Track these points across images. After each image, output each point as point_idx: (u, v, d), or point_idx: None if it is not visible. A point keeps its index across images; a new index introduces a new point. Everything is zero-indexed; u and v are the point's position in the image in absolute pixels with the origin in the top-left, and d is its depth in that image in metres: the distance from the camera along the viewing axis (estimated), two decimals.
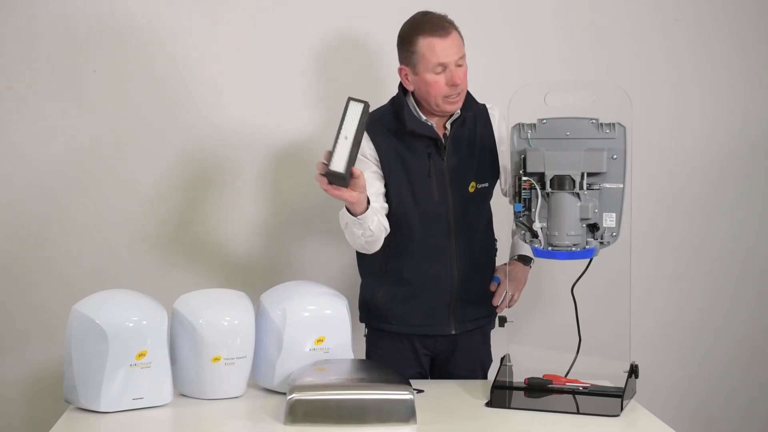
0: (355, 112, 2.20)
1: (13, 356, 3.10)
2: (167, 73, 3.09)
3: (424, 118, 2.57)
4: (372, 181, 2.53)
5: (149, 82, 3.09)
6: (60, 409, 2.27)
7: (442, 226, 2.58)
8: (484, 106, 2.64)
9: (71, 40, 3.04)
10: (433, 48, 2.47)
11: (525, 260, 2.71)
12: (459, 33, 2.51)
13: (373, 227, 2.42)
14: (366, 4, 3.13)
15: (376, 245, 2.51)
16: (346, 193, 2.26)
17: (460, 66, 2.49)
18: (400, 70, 2.57)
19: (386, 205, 2.57)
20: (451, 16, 2.53)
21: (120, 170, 3.09)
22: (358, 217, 2.37)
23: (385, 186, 2.58)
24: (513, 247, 2.71)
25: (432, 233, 2.58)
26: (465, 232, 2.60)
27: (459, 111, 2.57)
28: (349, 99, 2.21)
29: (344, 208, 2.40)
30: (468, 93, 2.59)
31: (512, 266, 2.67)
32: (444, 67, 2.48)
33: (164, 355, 2.25)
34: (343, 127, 2.20)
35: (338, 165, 2.20)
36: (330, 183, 2.24)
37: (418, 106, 2.57)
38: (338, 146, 2.20)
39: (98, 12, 3.05)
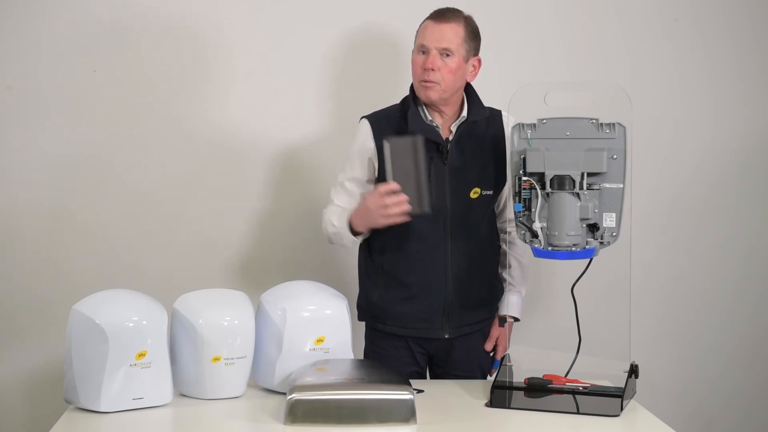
0: (421, 146, 2.35)
1: (13, 356, 3.10)
2: (167, 73, 3.09)
3: (429, 119, 2.56)
4: (353, 190, 2.59)
5: (149, 82, 3.08)
6: (60, 409, 2.27)
7: (439, 231, 2.56)
8: (499, 112, 2.62)
9: (71, 40, 3.04)
10: (424, 28, 2.52)
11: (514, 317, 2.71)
12: (466, 32, 2.50)
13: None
14: (373, 4, 3.13)
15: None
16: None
17: (445, 56, 2.48)
18: (412, 51, 2.59)
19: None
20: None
21: (120, 170, 3.09)
22: (358, 237, 2.53)
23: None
24: (507, 303, 2.68)
25: (428, 237, 2.56)
26: (463, 238, 2.57)
27: (465, 115, 2.57)
28: (416, 135, 2.36)
29: (346, 223, 2.52)
30: (476, 99, 2.59)
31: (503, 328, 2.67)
32: (425, 50, 2.49)
33: (164, 355, 2.24)
34: (420, 166, 2.35)
35: (428, 205, 2.39)
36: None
37: (425, 107, 2.56)
38: (422, 186, 2.36)
39: (98, 12, 3.04)
